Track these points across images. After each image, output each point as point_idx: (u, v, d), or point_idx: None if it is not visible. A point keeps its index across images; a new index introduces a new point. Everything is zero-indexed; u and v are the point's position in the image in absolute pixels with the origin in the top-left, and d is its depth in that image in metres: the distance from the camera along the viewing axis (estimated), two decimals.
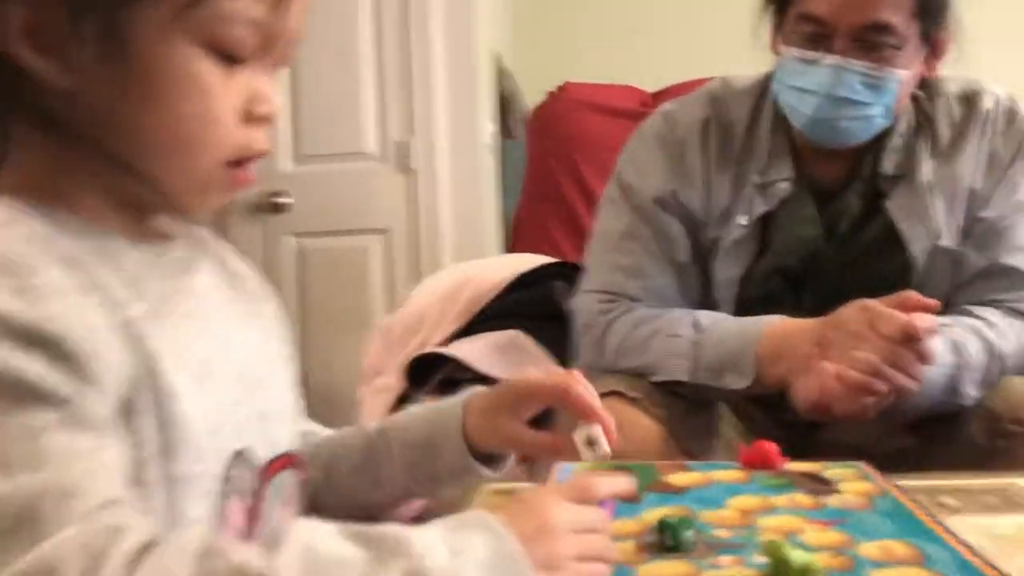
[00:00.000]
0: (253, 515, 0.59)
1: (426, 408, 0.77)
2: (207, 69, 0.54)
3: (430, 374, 1.35)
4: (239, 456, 0.58)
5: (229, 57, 0.55)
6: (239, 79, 0.56)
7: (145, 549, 0.43)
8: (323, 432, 0.80)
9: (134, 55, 0.53)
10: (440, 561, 0.46)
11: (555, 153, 1.99)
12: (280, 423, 0.65)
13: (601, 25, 3.02)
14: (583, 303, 1.28)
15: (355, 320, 2.56)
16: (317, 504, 0.73)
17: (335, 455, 0.76)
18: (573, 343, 1.29)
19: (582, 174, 1.95)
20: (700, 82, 1.54)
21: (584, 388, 0.71)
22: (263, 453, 0.61)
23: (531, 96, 2.76)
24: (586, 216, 1.93)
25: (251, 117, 0.57)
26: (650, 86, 2.10)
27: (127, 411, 0.51)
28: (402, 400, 1.39)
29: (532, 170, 2.07)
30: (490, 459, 0.74)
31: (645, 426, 1.12)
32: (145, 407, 0.52)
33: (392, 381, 1.43)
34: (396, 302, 2.64)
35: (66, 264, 0.51)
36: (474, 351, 1.32)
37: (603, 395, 1.13)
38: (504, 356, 1.34)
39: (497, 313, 1.49)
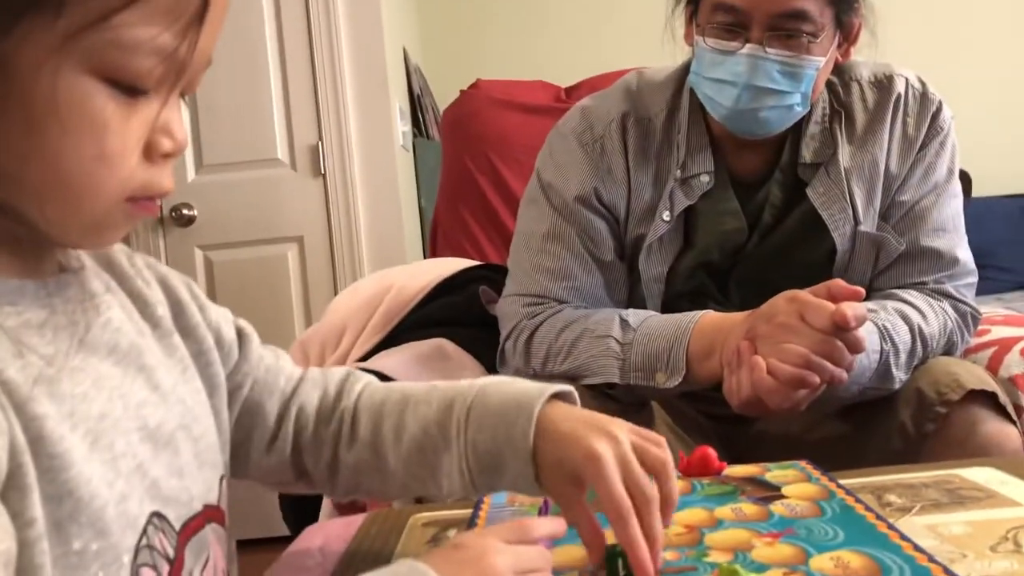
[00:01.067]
0: None
1: (490, 408, 0.65)
2: (103, 102, 0.48)
3: None
4: (155, 520, 0.52)
5: (130, 89, 0.48)
6: (141, 112, 0.50)
7: None
8: (360, 386, 0.73)
9: (15, 84, 0.46)
10: None
11: (470, 151, 1.95)
12: (197, 476, 0.58)
13: (511, 19, 2.99)
14: (508, 307, 1.25)
15: (271, 333, 2.46)
16: (366, 483, 0.69)
17: (384, 435, 0.68)
18: (500, 348, 1.25)
19: (499, 172, 1.92)
20: (614, 75, 1.52)
21: (640, 532, 0.57)
22: (180, 513, 0.55)
23: (442, 94, 2.72)
24: (506, 214, 1.90)
25: (155, 154, 0.51)
26: (563, 81, 2.08)
27: (8, 486, 0.44)
28: None
29: (448, 170, 2.03)
30: None
31: None
32: (28, 483, 0.45)
33: None
34: (313, 312, 2.57)
35: None
36: (398, 364, 1.27)
37: None
38: (429, 366, 1.29)
39: (420, 321, 1.44)
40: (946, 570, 0.55)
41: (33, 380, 0.48)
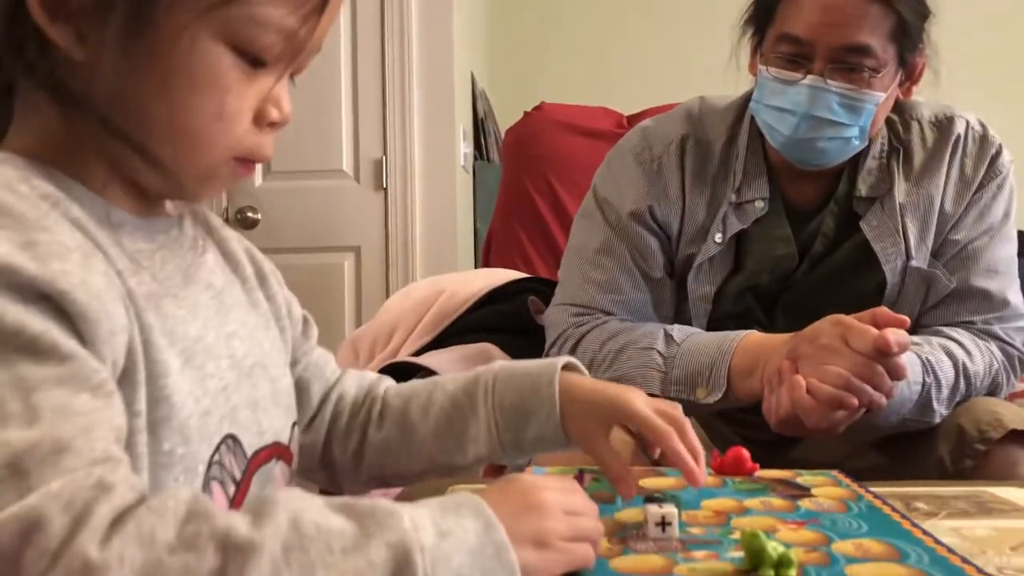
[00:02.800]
0: (235, 505, 0.58)
1: (516, 371, 0.73)
2: (229, 67, 0.54)
3: (399, 382, 1.33)
4: (229, 442, 0.57)
5: (254, 60, 0.55)
6: (259, 82, 0.56)
7: (129, 508, 0.43)
8: (388, 384, 0.78)
9: (158, 40, 0.53)
10: (427, 540, 0.46)
11: (529, 172, 1.99)
12: (272, 412, 0.63)
13: (576, 46, 3.05)
14: (556, 316, 1.27)
15: (323, 338, 2.53)
16: (389, 462, 0.73)
17: (412, 413, 0.74)
18: (544, 355, 1.28)
19: (556, 193, 1.96)
20: (676, 105, 1.55)
21: (683, 445, 0.67)
22: (252, 441, 0.60)
23: (506, 117, 2.78)
24: (560, 235, 1.93)
25: (263, 121, 0.57)
26: (626, 108, 2.12)
27: (123, 379, 0.50)
28: None
29: (506, 187, 2.08)
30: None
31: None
32: (138, 379, 0.51)
33: None
34: (364, 321, 2.62)
35: (74, 226, 0.51)
36: (444, 361, 1.31)
37: None
38: (474, 366, 1.32)
39: (469, 326, 1.47)
40: (964, 560, 0.56)
41: (145, 294, 0.53)
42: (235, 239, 0.69)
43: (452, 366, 1.31)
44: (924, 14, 1.17)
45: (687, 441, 0.67)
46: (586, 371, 0.76)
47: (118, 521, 0.42)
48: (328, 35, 0.60)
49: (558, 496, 0.54)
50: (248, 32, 0.54)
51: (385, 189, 2.64)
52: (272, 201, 2.64)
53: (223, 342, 0.59)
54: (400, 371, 1.31)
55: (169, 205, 0.62)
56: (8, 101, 0.56)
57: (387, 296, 2.61)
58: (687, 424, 0.68)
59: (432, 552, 0.45)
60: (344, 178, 2.67)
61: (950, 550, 0.58)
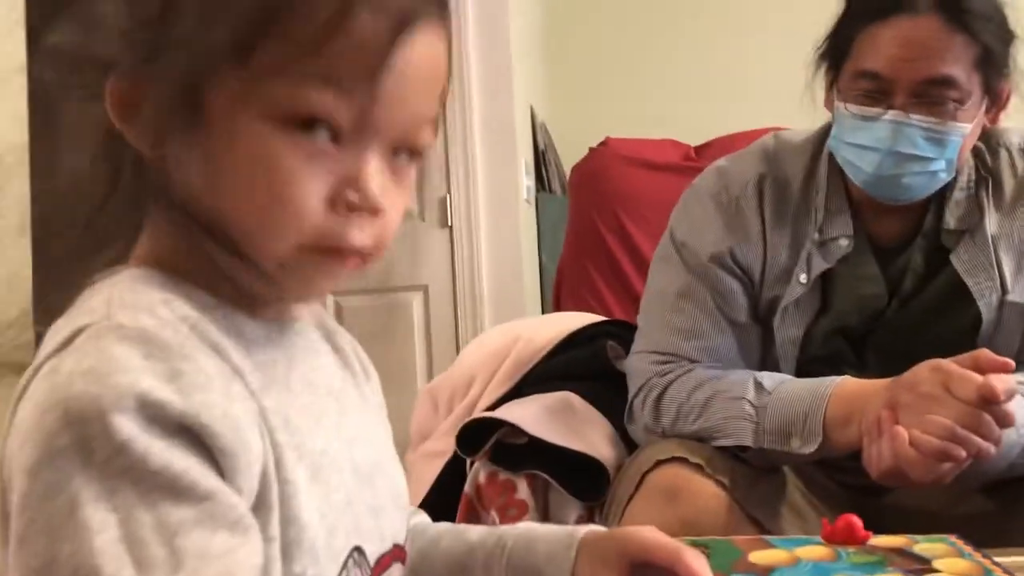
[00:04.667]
0: None
1: (534, 533, 0.68)
2: (278, 141, 0.49)
3: (481, 437, 1.32)
4: (355, 555, 0.56)
5: (308, 128, 0.49)
6: (330, 157, 0.50)
7: None
8: (422, 520, 0.75)
9: (210, 126, 0.50)
10: None
11: (598, 208, 1.98)
12: (392, 515, 0.62)
13: (636, 75, 3.03)
14: (638, 364, 1.25)
15: (397, 379, 2.53)
16: None
17: (427, 556, 0.71)
18: (628, 405, 1.26)
19: (626, 229, 1.94)
20: (744, 135, 1.53)
21: (698, 562, 0.62)
22: (375, 549, 0.59)
23: (567, 150, 2.77)
24: (631, 271, 1.92)
25: (339, 205, 0.51)
26: (692, 140, 2.10)
27: (257, 506, 0.49)
28: (453, 464, 1.36)
29: (574, 225, 2.07)
30: None
31: (710, 493, 1.09)
32: (272, 502, 0.50)
33: (441, 445, 1.40)
34: (435, 359, 2.63)
35: (214, 351, 0.50)
36: (527, 415, 1.29)
37: (664, 461, 1.13)
38: (557, 419, 1.31)
39: (547, 373, 1.46)
40: None
41: (275, 410, 0.52)
42: (343, 333, 0.69)
43: (535, 419, 1.30)
44: (1008, 39, 1.13)
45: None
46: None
47: None
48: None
49: None
50: (296, 97, 0.49)
51: (450, 227, 2.65)
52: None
53: (345, 450, 0.58)
54: (482, 427, 1.30)
55: (286, 310, 0.59)
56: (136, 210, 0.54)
57: (457, 334, 2.62)
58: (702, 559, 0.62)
59: None
60: (410, 218, 2.69)
61: None
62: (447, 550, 0.69)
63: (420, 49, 0.52)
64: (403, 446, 1.63)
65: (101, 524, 0.43)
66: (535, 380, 1.46)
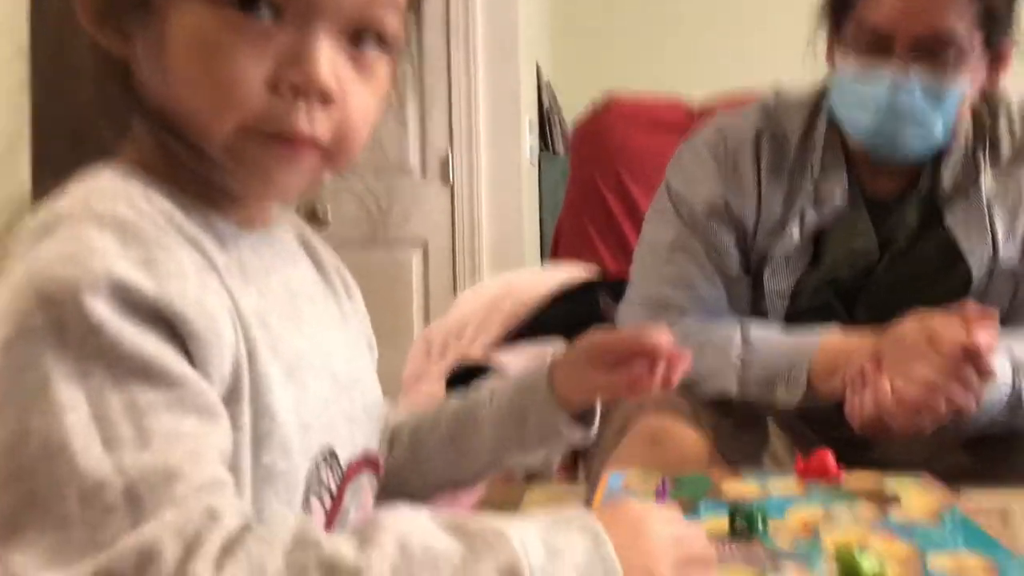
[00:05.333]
0: (332, 517, 0.59)
1: (510, 379, 0.75)
2: (219, 24, 0.49)
3: (470, 382, 1.33)
4: (328, 456, 0.58)
5: (246, 3, 0.48)
6: (264, 40, 0.49)
7: (238, 536, 0.43)
8: (399, 411, 0.78)
9: (159, 13, 0.51)
10: (537, 560, 0.45)
11: (599, 165, 1.98)
12: (365, 425, 0.64)
13: (642, 33, 3.02)
14: (628, 314, 1.26)
15: (393, 333, 2.55)
16: (402, 484, 0.73)
17: (420, 433, 0.75)
18: None
19: (626, 187, 1.94)
20: (747, 94, 1.52)
21: (659, 336, 0.71)
22: (347, 454, 0.61)
23: (571, 107, 2.76)
24: (630, 229, 1.92)
25: (282, 85, 0.50)
26: (695, 99, 2.09)
27: (229, 396, 0.51)
28: None
29: (575, 181, 2.06)
30: (578, 420, 0.73)
31: (692, 440, 1.10)
32: (243, 394, 0.51)
33: (434, 388, 1.42)
34: (432, 316, 2.64)
35: (191, 244, 0.51)
36: (516, 361, 1.31)
37: (648, 408, 1.13)
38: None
39: (540, 325, 1.47)
40: None
41: (252, 309, 0.54)
42: (326, 251, 0.70)
43: (525, 364, 1.31)
44: None
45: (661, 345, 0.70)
46: None
47: (228, 549, 0.42)
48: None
49: (666, 524, 0.51)
50: None
51: (452, 184, 2.65)
52: (339, 198, 2.67)
53: (323, 358, 0.59)
54: (472, 371, 1.32)
55: (267, 212, 0.61)
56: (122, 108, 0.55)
57: (455, 291, 2.63)
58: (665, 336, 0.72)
59: (542, 572, 0.45)
60: (411, 174, 2.69)
61: None
62: (436, 424, 0.74)
63: None
64: (398, 397, 1.64)
65: (72, 402, 0.44)
66: (528, 331, 1.47)
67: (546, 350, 1.41)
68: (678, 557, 0.50)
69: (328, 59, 0.50)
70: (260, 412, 0.52)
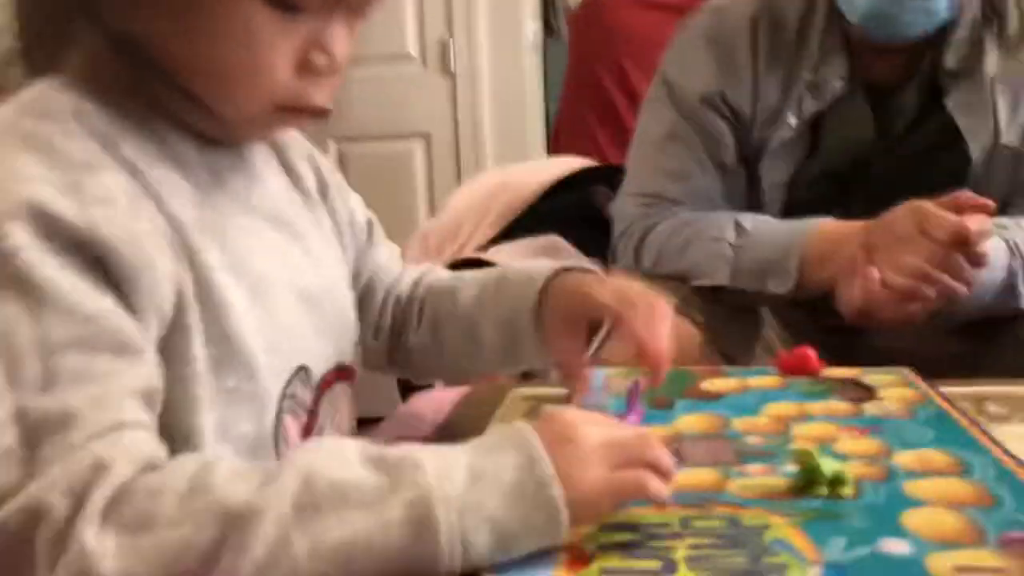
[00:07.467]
0: (308, 430, 0.59)
1: (513, 280, 0.71)
2: (258, 16, 0.50)
3: None
4: (301, 373, 0.58)
5: (287, 6, 0.51)
6: (298, 28, 0.52)
7: (126, 487, 0.42)
8: (430, 279, 0.78)
9: None
10: (454, 490, 0.44)
11: (598, 51, 1.92)
12: (338, 335, 0.64)
13: None
14: (623, 207, 1.25)
15: (398, 225, 2.53)
16: (425, 366, 0.75)
17: (439, 317, 0.74)
18: (611, 246, 1.27)
19: (626, 73, 1.89)
20: None
21: (646, 326, 0.64)
22: (321, 366, 0.61)
23: None
24: (630, 117, 1.87)
25: (308, 69, 0.53)
26: None
27: (172, 326, 0.50)
28: None
29: (573, 69, 2.02)
30: None
31: (684, 331, 1.10)
32: (193, 322, 0.51)
33: None
34: (437, 207, 2.63)
35: (126, 168, 0.50)
36: (512, 255, 1.31)
37: None
38: (543, 260, 1.32)
39: (538, 218, 1.46)
40: None
41: (210, 230, 0.53)
42: (299, 148, 0.68)
43: (522, 258, 1.31)
44: None
45: (652, 327, 0.64)
46: (593, 270, 0.73)
47: (114, 502, 0.41)
48: None
49: (597, 428, 0.49)
50: None
51: (453, 73, 2.60)
52: (342, 89, 2.63)
53: (289, 274, 0.59)
54: (469, 267, 1.32)
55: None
56: (64, 21, 0.54)
57: (459, 181, 2.61)
58: (661, 311, 0.65)
59: (460, 501, 0.43)
60: (411, 62, 2.63)
61: (1019, 462, 0.56)
62: (458, 310, 0.73)
63: None
64: None
65: None
66: (524, 225, 1.47)
67: (546, 239, 1.41)
68: (615, 462, 0.48)
69: (344, 42, 0.54)
70: (218, 338, 0.52)
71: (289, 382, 0.57)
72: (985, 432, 0.62)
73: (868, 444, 0.61)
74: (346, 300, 0.67)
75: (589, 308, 0.66)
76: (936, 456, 0.58)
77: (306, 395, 0.59)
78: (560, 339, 0.68)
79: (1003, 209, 1.11)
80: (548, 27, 2.81)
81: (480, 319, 0.71)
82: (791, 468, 0.55)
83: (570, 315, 0.67)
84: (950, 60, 1.14)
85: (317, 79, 0.54)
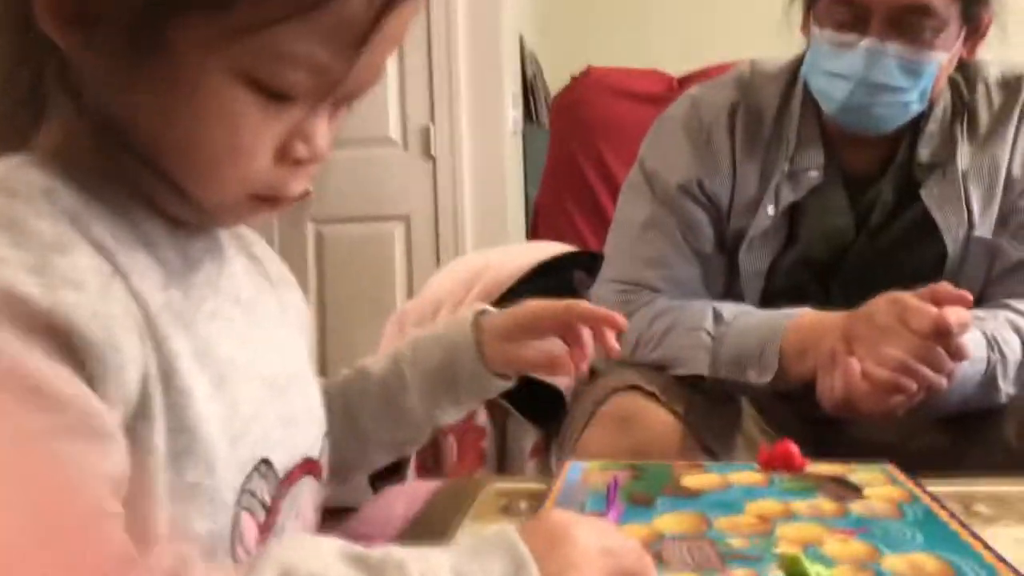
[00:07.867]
0: (266, 529, 0.56)
1: (431, 335, 0.76)
2: (243, 101, 0.48)
3: None
4: (261, 467, 0.55)
5: (275, 95, 0.49)
6: (282, 117, 0.50)
7: None
8: (335, 377, 0.78)
9: (168, 60, 0.48)
10: None
11: (578, 139, 1.95)
12: (306, 428, 0.61)
13: (626, 7, 2.96)
14: (602, 293, 1.24)
15: (375, 308, 2.53)
16: (342, 455, 0.71)
17: (353, 400, 0.74)
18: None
19: (606, 161, 1.92)
20: (727, 66, 1.49)
21: (587, 305, 0.73)
22: (286, 459, 0.58)
23: (556, 80, 2.72)
24: (609, 204, 1.89)
25: (288, 158, 0.51)
26: (676, 70, 2.05)
27: (136, 414, 0.47)
28: None
29: (554, 156, 2.04)
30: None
31: (663, 421, 1.08)
32: (157, 411, 0.48)
33: None
34: (415, 290, 2.62)
35: (93, 247, 0.48)
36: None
37: (619, 388, 1.12)
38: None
39: (515, 301, 1.45)
40: None
41: (173, 317, 0.51)
42: (259, 243, 0.67)
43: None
44: None
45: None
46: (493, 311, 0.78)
47: None
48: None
49: (595, 536, 0.48)
50: (269, 68, 0.47)
51: (434, 157, 2.62)
52: (322, 171, 2.64)
53: (257, 359, 0.57)
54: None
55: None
56: (39, 96, 0.52)
57: (438, 266, 2.60)
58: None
59: None
60: (392, 146, 2.65)
61: (1015, 570, 0.54)
62: (367, 390, 0.75)
63: (398, 20, 0.50)
64: None
65: None
66: (502, 308, 1.45)
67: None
68: (609, 571, 0.47)
69: (327, 133, 0.53)
70: (178, 429, 0.49)
71: (249, 477, 0.54)
72: (976, 536, 0.60)
73: (856, 547, 0.59)
74: (312, 388, 0.65)
75: (527, 319, 0.74)
76: (927, 561, 0.56)
77: (264, 491, 0.56)
78: (512, 356, 0.73)
79: (979, 300, 1.11)
80: (529, 114, 2.85)
81: (401, 380, 0.74)
82: (777, 574, 0.53)
83: (509, 334, 0.73)
84: (923, 153, 1.15)
85: (295, 168, 0.52)
